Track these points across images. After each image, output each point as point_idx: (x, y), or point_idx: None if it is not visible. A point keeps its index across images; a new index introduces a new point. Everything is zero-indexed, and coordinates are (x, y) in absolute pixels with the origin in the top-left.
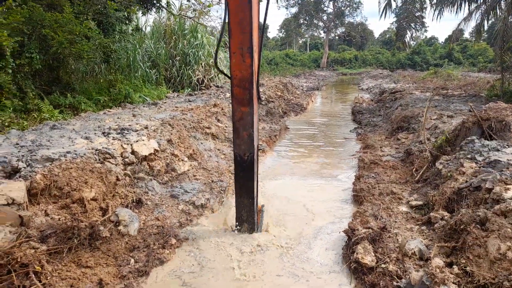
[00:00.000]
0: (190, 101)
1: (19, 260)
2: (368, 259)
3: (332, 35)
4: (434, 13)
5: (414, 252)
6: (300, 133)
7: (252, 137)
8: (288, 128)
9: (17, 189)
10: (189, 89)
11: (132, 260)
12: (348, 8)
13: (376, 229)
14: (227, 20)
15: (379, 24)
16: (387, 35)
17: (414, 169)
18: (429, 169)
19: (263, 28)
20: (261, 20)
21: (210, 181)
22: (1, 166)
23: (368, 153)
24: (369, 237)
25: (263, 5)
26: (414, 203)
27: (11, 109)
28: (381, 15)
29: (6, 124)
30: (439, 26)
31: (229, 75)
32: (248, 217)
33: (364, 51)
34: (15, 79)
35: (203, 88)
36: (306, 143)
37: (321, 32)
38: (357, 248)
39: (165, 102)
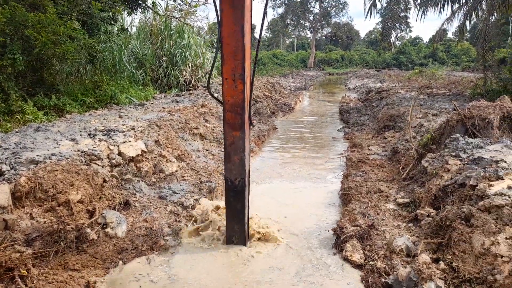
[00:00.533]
0: (177, 101)
1: (3, 264)
2: (357, 256)
3: (319, 35)
4: (418, 14)
5: (402, 249)
6: (288, 133)
7: (244, 162)
8: (277, 128)
9: (0, 192)
10: (177, 89)
11: (120, 262)
12: (334, 9)
13: (364, 227)
14: (220, 46)
15: (365, 24)
16: (373, 35)
17: (400, 167)
18: (415, 167)
19: (256, 56)
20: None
21: (199, 182)
22: None
23: (355, 152)
24: (357, 235)
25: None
26: (401, 200)
27: None
28: (366, 15)
29: None
30: (423, 26)
31: (221, 101)
32: (238, 243)
33: (351, 51)
34: None
35: (191, 88)
36: (294, 142)
37: (308, 32)
38: (345, 246)
39: (152, 103)
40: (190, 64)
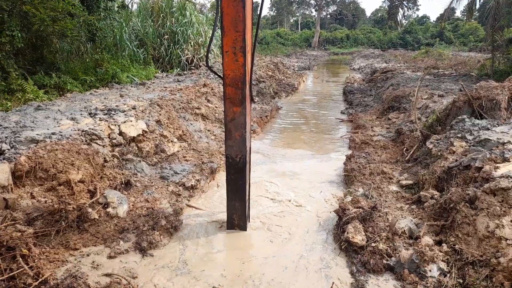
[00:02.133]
0: (179, 81)
1: (5, 243)
2: (359, 238)
3: (324, 13)
4: None
5: (404, 231)
6: (292, 114)
7: (245, 138)
8: (280, 108)
9: (0, 171)
10: (178, 69)
11: (121, 242)
12: None
13: (366, 209)
14: (219, 17)
15: (371, 2)
16: (379, 14)
17: (404, 148)
18: (419, 149)
19: (257, 27)
20: (256, 17)
21: (201, 162)
22: None
23: (359, 133)
24: (359, 217)
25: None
26: (404, 182)
27: None
28: None
29: None
30: (431, 4)
31: (221, 75)
32: (239, 221)
33: (356, 30)
34: None
35: (193, 68)
36: (297, 123)
37: (313, 10)
38: (347, 227)
39: (153, 82)
40: (192, 43)
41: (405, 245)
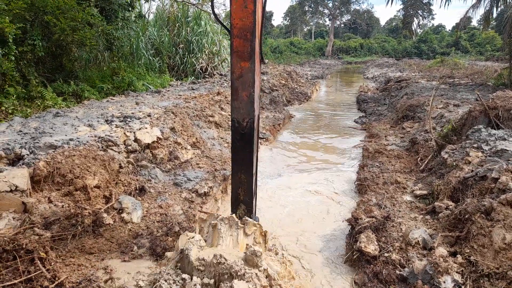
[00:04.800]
0: (193, 89)
1: (24, 246)
2: (371, 247)
3: (338, 22)
4: (442, 0)
5: (418, 241)
6: (304, 122)
7: (253, 99)
8: (292, 116)
9: (20, 176)
10: (193, 77)
11: (136, 247)
12: None
13: (379, 218)
14: None
15: (386, 11)
16: (394, 23)
17: (419, 158)
18: (434, 159)
19: None
20: None
21: (213, 170)
22: (5, 153)
23: (372, 142)
24: (372, 226)
25: None
26: (418, 192)
27: (15, 96)
28: (388, 1)
29: (10, 111)
30: (447, 13)
31: (229, 28)
32: (245, 197)
33: (370, 39)
34: (18, 66)
35: (207, 76)
36: (310, 132)
37: (327, 19)
38: (360, 237)
39: (168, 90)
40: (206, 52)
41: (418, 255)
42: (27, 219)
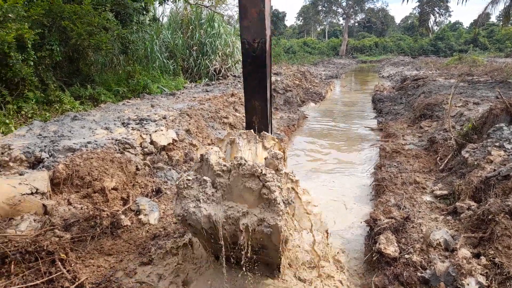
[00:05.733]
0: (207, 91)
1: (45, 248)
2: (391, 249)
3: (352, 21)
4: None
5: (439, 242)
6: (319, 122)
7: (263, 17)
8: (307, 117)
9: (40, 179)
10: (206, 79)
11: (153, 248)
12: None
13: (399, 219)
14: None
15: (401, 9)
16: (409, 21)
17: (438, 157)
18: (454, 158)
19: None
20: None
21: None
22: (25, 157)
23: (389, 141)
24: (392, 227)
25: None
26: (438, 192)
27: (34, 100)
28: None
29: (29, 115)
30: (464, 10)
31: None
32: (260, 124)
33: (385, 38)
34: (37, 71)
35: (220, 78)
36: (324, 132)
37: (340, 19)
38: (379, 238)
39: (182, 93)
40: (220, 53)
41: (440, 257)
42: (48, 221)
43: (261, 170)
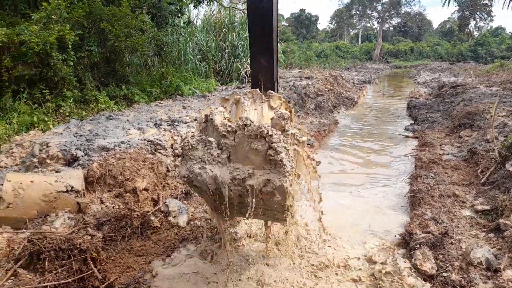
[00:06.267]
0: None
1: (78, 246)
2: (428, 266)
3: (387, 26)
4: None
5: (481, 261)
6: (351, 128)
7: None
8: (338, 122)
9: (75, 177)
10: (237, 82)
11: (182, 250)
12: None
13: (436, 234)
14: None
15: (439, 13)
16: (448, 25)
17: (479, 170)
18: (497, 171)
19: None
20: None
21: None
22: (62, 154)
23: (426, 151)
24: (429, 243)
25: None
26: (479, 207)
27: (72, 99)
28: (444, 3)
29: (67, 113)
30: (507, 14)
31: None
32: (266, 82)
33: (421, 43)
34: (75, 71)
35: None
36: (356, 138)
37: (375, 23)
38: (415, 253)
39: (213, 95)
40: None
41: (482, 277)
42: (81, 219)
43: (267, 131)
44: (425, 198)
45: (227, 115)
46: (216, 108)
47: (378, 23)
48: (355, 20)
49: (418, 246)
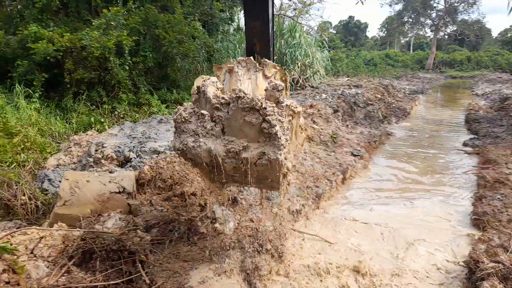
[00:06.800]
0: None
1: (127, 248)
2: None
3: (441, 34)
4: None
5: None
6: (403, 140)
7: None
8: (390, 134)
9: (127, 178)
10: None
11: (227, 260)
12: (463, 4)
13: (508, 265)
14: None
15: (500, 21)
16: (509, 34)
17: None
18: None
19: None
20: None
21: (305, 186)
22: (116, 155)
23: (490, 169)
24: (499, 274)
25: None
26: None
27: (126, 102)
28: (510, 10)
29: (121, 116)
30: None
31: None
32: (261, 47)
33: (479, 52)
34: (130, 75)
35: (298, 88)
36: (409, 152)
37: (428, 31)
38: (483, 285)
39: None
40: (299, 64)
41: None
42: (131, 221)
43: (261, 103)
44: (491, 222)
45: (220, 85)
46: (209, 79)
47: (432, 31)
48: (406, 28)
49: (485, 276)
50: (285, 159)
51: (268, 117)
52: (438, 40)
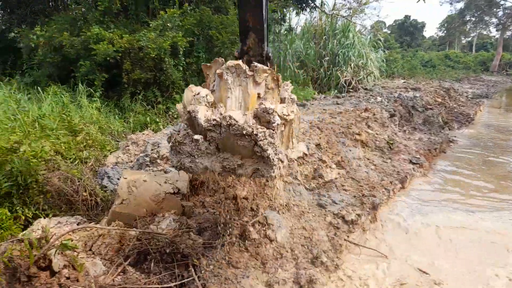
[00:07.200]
0: (338, 103)
1: (181, 251)
2: None
3: (508, 33)
4: None
5: None
6: (467, 148)
7: None
8: (452, 141)
9: (182, 179)
10: (335, 90)
11: (280, 270)
12: None
13: None
14: None
15: None
16: None
17: None
18: None
19: None
20: None
21: (361, 195)
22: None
23: None
24: None
25: None
26: None
27: (180, 102)
28: None
29: (175, 116)
30: None
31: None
32: (255, 24)
33: None
34: (184, 75)
35: (350, 90)
36: (474, 161)
37: (493, 30)
38: None
39: (312, 104)
40: (352, 65)
41: None
42: (185, 223)
43: (252, 129)
44: None
45: (211, 98)
46: (198, 93)
47: (497, 30)
48: (468, 27)
49: None
50: (280, 174)
51: (259, 142)
52: (505, 40)
